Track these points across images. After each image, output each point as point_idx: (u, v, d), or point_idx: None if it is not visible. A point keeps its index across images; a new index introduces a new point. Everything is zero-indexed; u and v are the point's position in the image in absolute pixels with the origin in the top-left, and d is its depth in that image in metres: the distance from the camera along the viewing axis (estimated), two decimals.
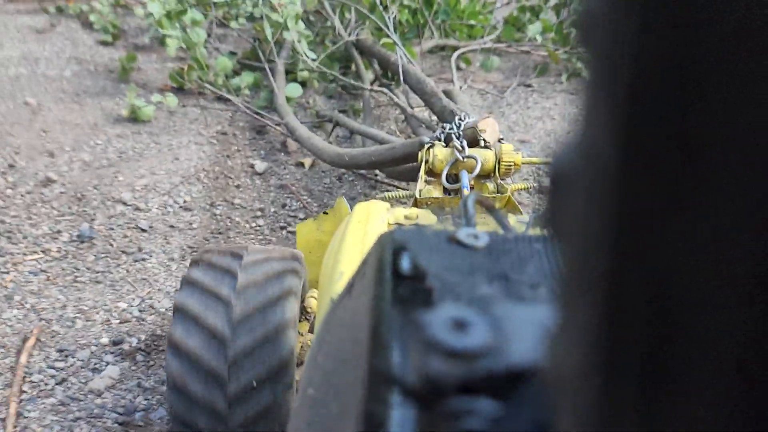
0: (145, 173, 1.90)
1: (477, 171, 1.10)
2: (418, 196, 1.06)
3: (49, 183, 1.85)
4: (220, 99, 2.32)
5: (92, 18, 2.99)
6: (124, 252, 1.57)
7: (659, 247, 0.12)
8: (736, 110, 0.11)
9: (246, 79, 2.36)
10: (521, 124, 2.29)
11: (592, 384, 0.14)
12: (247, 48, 2.65)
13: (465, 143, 1.13)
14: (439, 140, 1.22)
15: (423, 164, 1.14)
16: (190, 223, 1.68)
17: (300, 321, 1.01)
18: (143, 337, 1.30)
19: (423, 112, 1.95)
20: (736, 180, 0.11)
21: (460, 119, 1.27)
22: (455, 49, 2.53)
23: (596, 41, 0.13)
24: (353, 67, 2.32)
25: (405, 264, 0.28)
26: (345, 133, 2.12)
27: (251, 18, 2.76)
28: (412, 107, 1.81)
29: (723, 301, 0.12)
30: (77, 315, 1.37)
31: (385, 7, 2.08)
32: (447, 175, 1.11)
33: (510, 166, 1.13)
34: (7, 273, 1.50)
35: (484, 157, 1.13)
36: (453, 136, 1.19)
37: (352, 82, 2.07)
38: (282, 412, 0.83)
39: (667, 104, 0.12)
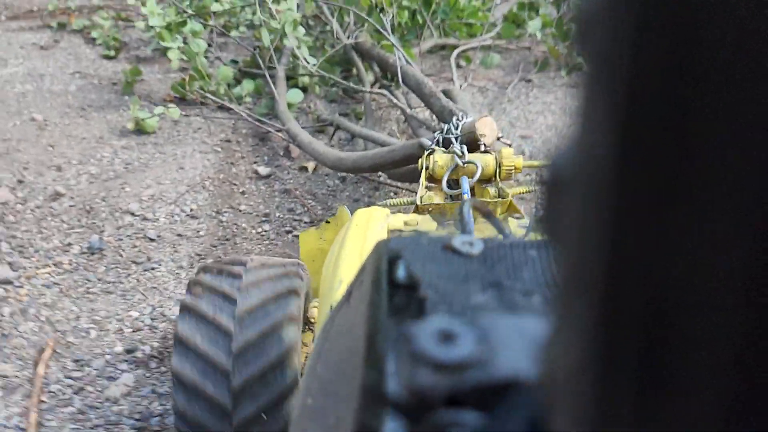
0: (151, 183, 1.94)
1: (477, 176, 1.10)
2: (419, 202, 1.07)
3: (58, 197, 1.89)
4: (222, 108, 2.36)
5: (94, 34, 3.05)
6: (133, 262, 1.61)
7: (656, 248, 0.12)
8: (734, 110, 0.11)
9: (247, 87, 2.40)
10: (522, 120, 2.31)
11: (589, 385, 0.14)
12: (247, 56, 2.69)
13: (465, 149, 1.14)
14: (438, 141, 1.24)
15: (423, 171, 1.15)
16: (198, 231, 1.72)
17: (304, 331, 1.00)
18: (156, 344, 1.34)
19: (424, 112, 1.98)
20: (734, 180, 0.11)
21: (458, 119, 1.28)
22: (455, 47, 2.56)
23: (594, 41, 0.13)
24: (354, 70, 2.35)
25: (400, 273, 0.28)
26: (347, 135, 2.15)
27: (251, 25, 2.80)
28: (412, 108, 1.83)
29: (720, 301, 0.12)
30: (91, 325, 1.41)
31: (382, 10, 2.11)
32: (448, 180, 1.12)
33: (511, 170, 1.13)
34: (21, 287, 1.55)
35: (484, 161, 1.13)
36: (451, 137, 1.21)
37: (352, 85, 2.10)
38: None
39: (665, 104, 0.12)
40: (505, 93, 2.51)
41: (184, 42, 2.39)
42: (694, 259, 0.12)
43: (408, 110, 1.74)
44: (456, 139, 1.23)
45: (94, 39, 3.10)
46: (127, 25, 3.36)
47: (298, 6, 2.36)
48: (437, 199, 1.11)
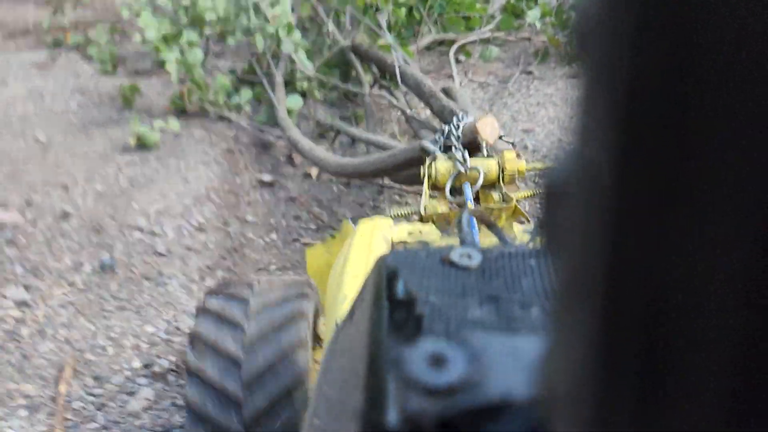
0: (157, 198, 1.99)
1: (480, 183, 1.10)
2: (422, 211, 1.06)
3: (66, 216, 1.94)
4: (222, 118, 2.40)
5: (91, 52, 3.10)
6: (145, 278, 1.66)
7: (656, 251, 0.13)
8: (734, 110, 0.11)
9: (245, 95, 2.43)
10: (524, 113, 2.33)
11: (589, 390, 0.15)
12: (245, 63, 2.73)
13: (467, 154, 1.14)
14: (439, 145, 1.26)
15: (426, 179, 1.15)
16: (206, 244, 1.77)
17: (314, 348, 1.00)
18: (173, 358, 1.39)
19: (425, 111, 2.01)
20: (734, 182, 0.11)
21: (459, 120, 1.28)
22: (453, 42, 2.57)
23: (594, 43, 0.13)
24: (353, 72, 2.38)
25: (399, 289, 0.29)
26: (349, 139, 2.18)
27: (247, 31, 2.84)
28: (412, 108, 1.85)
29: (720, 304, 0.12)
30: (108, 342, 1.46)
31: (377, 9, 2.13)
32: (451, 187, 1.12)
33: (514, 173, 1.13)
34: (38, 308, 1.60)
35: (486, 167, 1.13)
36: (452, 139, 1.21)
37: (351, 87, 2.12)
38: None
39: (665, 106, 0.12)
40: (505, 87, 2.52)
41: (181, 53, 2.42)
42: (695, 261, 0.12)
43: (408, 111, 1.77)
44: (457, 139, 1.23)
45: (90, 57, 3.15)
46: (123, 38, 3.40)
47: (293, 9, 2.39)
48: (441, 207, 1.10)
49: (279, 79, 2.35)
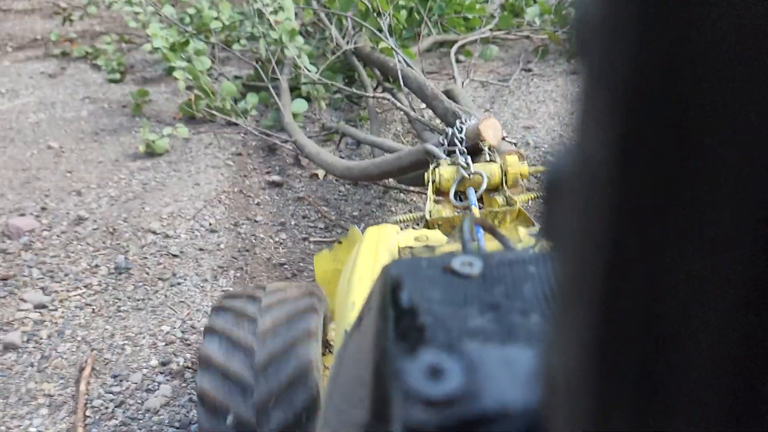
0: (169, 201, 2.02)
1: (484, 187, 1.11)
2: (428, 217, 1.07)
3: (81, 221, 1.97)
4: (230, 123, 2.42)
5: (99, 62, 3.14)
6: (159, 278, 1.69)
7: (656, 250, 0.13)
8: (734, 110, 0.11)
9: (251, 100, 2.46)
10: (524, 110, 2.35)
11: (588, 387, 0.15)
12: (250, 69, 2.75)
13: (470, 159, 1.15)
14: (444, 149, 1.26)
15: (430, 185, 1.15)
16: (218, 245, 1.79)
17: (324, 354, 1.00)
18: (189, 355, 1.41)
19: (427, 111, 2.03)
20: (734, 182, 0.11)
21: (462, 123, 1.29)
22: (454, 43, 2.60)
23: (594, 43, 0.13)
24: (356, 75, 2.40)
25: (402, 299, 0.29)
26: (354, 142, 2.21)
27: (252, 38, 2.87)
28: (415, 110, 1.87)
29: (719, 304, 0.12)
30: (125, 342, 1.49)
31: (378, 14, 2.16)
32: (455, 192, 1.12)
33: (517, 177, 1.14)
34: (56, 310, 1.63)
35: (489, 171, 1.14)
36: (456, 142, 1.22)
37: (355, 91, 2.15)
38: None
39: (665, 105, 0.12)
40: (505, 85, 2.54)
41: (188, 61, 2.46)
42: (694, 259, 0.12)
43: (412, 113, 1.78)
44: (461, 142, 1.24)
45: (98, 66, 3.19)
46: (130, 48, 3.44)
47: (296, 14, 2.41)
48: (446, 211, 1.11)
49: (284, 84, 2.38)
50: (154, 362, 1.41)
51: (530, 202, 1.20)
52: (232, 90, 2.45)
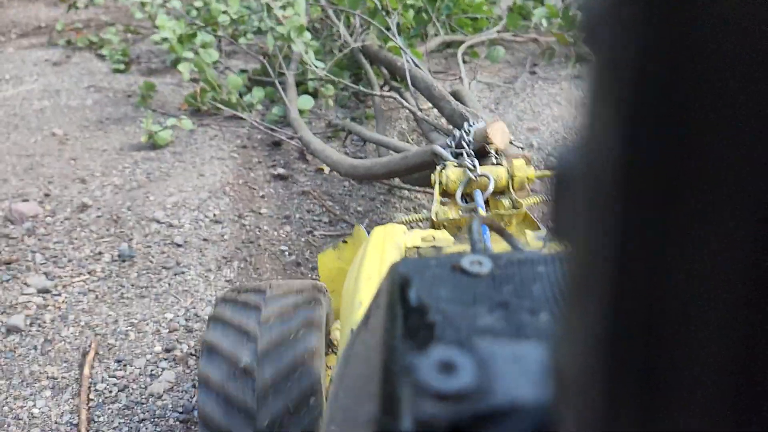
0: (174, 191, 2.04)
1: (490, 190, 1.12)
2: (434, 218, 1.07)
3: (85, 208, 1.99)
4: (235, 117, 2.44)
5: (104, 51, 3.15)
6: (163, 267, 1.71)
7: (662, 247, 0.13)
8: (740, 107, 0.11)
9: (257, 95, 2.48)
10: (529, 112, 2.38)
11: (595, 384, 0.15)
12: (256, 62, 2.78)
13: (476, 162, 1.16)
14: (449, 147, 1.28)
15: (437, 186, 1.16)
16: (222, 235, 1.82)
17: (327, 353, 1.00)
18: (192, 343, 1.43)
19: (432, 109, 2.06)
20: (738, 179, 0.11)
21: (470, 125, 1.30)
22: (461, 43, 2.62)
23: (600, 41, 0.13)
24: (363, 73, 2.42)
25: (411, 297, 0.29)
26: (360, 139, 2.23)
27: (259, 31, 2.89)
28: (421, 109, 1.89)
29: (724, 301, 0.12)
30: (129, 328, 1.51)
31: (387, 12, 2.18)
32: (461, 194, 1.13)
33: (523, 180, 1.15)
34: (59, 295, 1.65)
35: (496, 174, 1.14)
36: (464, 145, 1.23)
37: (362, 88, 2.17)
38: None
39: (672, 101, 0.12)
40: (511, 87, 2.58)
41: (195, 53, 2.48)
42: (697, 258, 0.12)
43: (419, 113, 1.80)
44: (468, 145, 1.25)
45: (103, 55, 3.21)
46: (136, 39, 3.46)
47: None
48: (452, 213, 1.12)
49: (290, 79, 2.40)
50: (157, 348, 1.43)
51: (536, 205, 1.22)
52: (239, 83, 2.48)
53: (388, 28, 2.18)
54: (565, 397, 0.17)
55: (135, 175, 2.17)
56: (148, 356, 1.41)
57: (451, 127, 1.67)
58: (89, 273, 1.71)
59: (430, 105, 1.86)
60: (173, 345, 1.43)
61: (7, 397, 1.34)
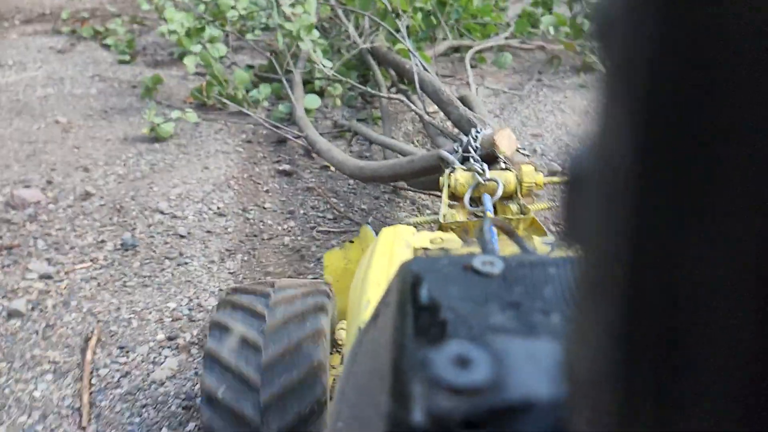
0: (177, 183, 2.06)
1: (499, 194, 1.14)
2: (442, 220, 1.09)
3: (88, 196, 2.02)
4: (241, 112, 2.47)
5: (109, 41, 3.18)
6: (166, 257, 1.73)
7: (676, 248, 0.13)
8: (755, 111, 0.11)
9: (264, 91, 2.52)
10: (533, 119, 2.43)
11: (610, 384, 0.15)
12: (263, 58, 2.81)
13: (485, 166, 1.18)
14: (456, 152, 1.30)
15: (445, 189, 1.18)
16: (226, 228, 1.85)
17: (331, 353, 1.01)
18: (195, 332, 1.46)
19: (438, 112, 2.10)
20: (755, 182, 0.12)
21: (477, 131, 1.33)
22: (469, 48, 2.67)
23: (614, 43, 0.13)
24: (371, 74, 2.46)
25: (423, 295, 0.30)
26: (366, 140, 2.27)
27: (266, 28, 2.93)
28: (429, 113, 1.91)
29: (738, 300, 0.12)
30: (131, 316, 1.53)
31: (398, 15, 2.22)
32: (470, 198, 1.15)
33: (531, 186, 1.17)
34: (61, 281, 1.67)
35: (505, 179, 1.16)
36: (471, 151, 1.26)
37: (369, 89, 2.20)
38: None
39: (686, 104, 0.12)
40: (516, 94, 2.62)
41: (203, 48, 2.51)
42: (715, 258, 0.12)
43: (426, 117, 1.82)
44: (475, 150, 1.27)
45: (108, 45, 3.24)
46: (142, 30, 3.49)
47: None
48: (460, 216, 1.13)
49: (297, 77, 2.43)
50: (160, 336, 1.45)
51: (543, 211, 1.24)
52: (245, 79, 2.51)
53: (398, 31, 2.22)
54: (579, 399, 0.17)
55: (139, 165, 2.19)
56: (151, 344, 1.44)
57: (456, 131, 1.71)
58: (92, 260, 1.74)
59: (435, 108, 1.90)
60: (176, 333, 1.46)
61: (8, 380, 1.36)
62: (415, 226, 1.11)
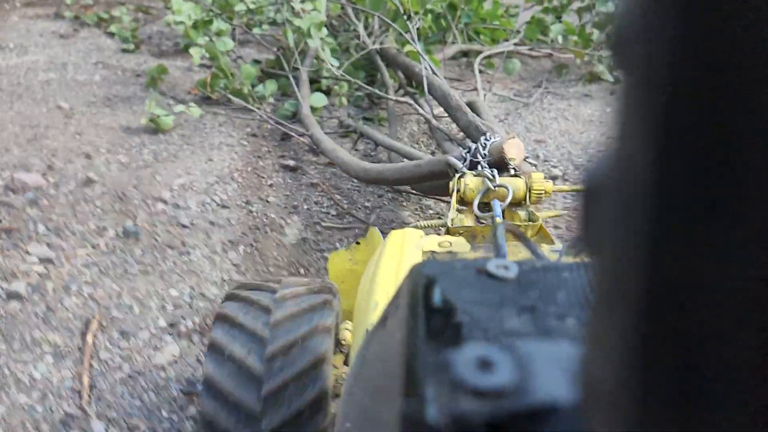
0: (181, 173, 2.11)
1: (509, 200, 1.16)
2: (450, 224, 1.11)
3: (89, 183, 2.06)
4: (245, 109, 2.52)
5: (113, 29, 3.22)
6: (169, 246, 1.78)
7: (694, 256, 0.13)
8: None
9: (270, 87, 2.56)
10: (537, 125, 2.50)
11: (629, 392, 0.15)
12: (269, 53, 2.86)
13: (496, 172, 1.22)
14: (465, 160, 1.34)
15: (454, 193, 1.21)
16: (229, 220, 1.89)
17: (334, 353, 1.01)
18: (197, 320, 1.50)
19: (444, 115, 2.16)
20: None
21: (486, 139, 1.37)
22: (478, 53, 2.73)
23: (632, 54, 0.14)
24: (378, 75, 2.50)
25: (436, 298, 0.30)
26: (372, 141, 2.32)
27: (274, 23, 2.98)
28: (436, 118, 1.92)
29: (757, 306, 0.12)
30: (133, 302, 1.57)
31: (409, 17, 2.27)
32: (479, 203, 1.18)
33: (541, 194, 1.19)
34: (62, 266, 1.71)
35: (514, 185, 1.19)
36: (479, 158, 1.29)
37: (377, 91, 2.24)
38: None
39: (705, 114, 0.12)
40: (525, 102, 2.69)
41: (210, 40, 2.56)
42: (732, 266, 0.13)
43: (434, 122, 1.85)
44: (483, 158, 1.31)
45: (112, 33, 3.28)
46: (147, 20, 3.53)
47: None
48: (468, 221, 1.16)
49: (304, 75, 2.47)
50: (162, 323, 1.50)
51: (552, 219, 1.25)
52: (252, 74, 2.55)
53: (408, 32, 2.27)
54: (596, 406, 0.17)
55: (142, 154, 2.24)
56: (152, 330, 1.48)
57: (462, 135, 1.76)
58: (93, 247, 1.78)
59: (441, 110, 1.95)
60: (178, 320, 1.50)
61: (7, 361, 1.40)
62: (423, 229, 1.15)
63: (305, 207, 1.96)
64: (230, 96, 2.50)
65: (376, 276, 0.80)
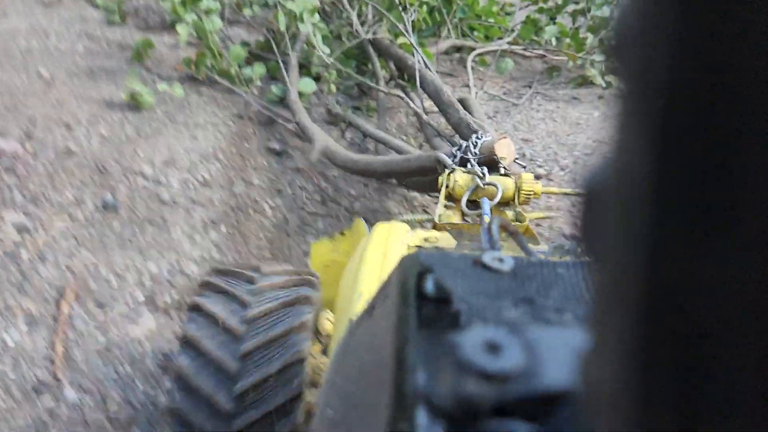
0: (163, 150, 2.13)
1: (498, 198, 1.18)
2: (437, 220, 1.13)
3: (69, 154, 2.06)
4: (231, 91, 2.53)
5: (98, 1, 3.20)
6: (149, 222, 1.80)
7: (694, 262, 0.13)
8: None
9: (258, 70, 2.57)
10: (525, 124, 2.57)
11: (630, 395, 0.15)
12: (259, 35, 2.88)
13: (486, 170, 1.24)
14: (455, 156, 1.38)
15: (443, 189, 1.23)
16: (211, 199, 1.92)
17: (312, 343, 1.01)
18: (176, 296, 1.54)
19: (434, 111, 2.21)
20: None
21: (477, 138, 1.41)
22: (471, 50, 2.79)
23: (630, 58, 0.14)
24: (370, 65, 2.54)
25: (429, 286, 0.31)
26: (359, 131, 2.36)
27: (265, 4, 3.00)
28: (426, 113, 1.96)
29: (759, 309, 0.13)
30: (110, 275, 1.60)
31: (404, 8, 2.31)
32: (467, 200, 1.21)
33: (530, 194, 1.22)
34: (38, 235, 1.72)
35: (504, 184, 1.21)
36: (470, 156, 1.33)
37: (368, 81, 2.27)
38: None
39: (705, 117, 0.13)
40: (516, 103, 2.76)
41: (198, 18, 2.57)
42: (733, 269, 0.13)
43: (425, 117, 1.90)
44: (474, 156, 1.34)
45: (97, 5, 3.26)
46: None
47: None
48: (455, 218, 1.18)
49: (294, 60, 2.48)
50: (140, 297, 1.52)
51: (539, 220, 1.26)
52: (240, 56, 2.57)
53: (404, 25, 2.31)
54: (597, 409, 0.18)
55: (124, 128, 2.24)
56: (130, 303, 1.51)
57: (450, 130, 1.80)
58: (71, 217, 1.79)
59: (430, 104, 1.99)
60: (155, 295, 1.53)
61: None
62: (409, 224, 1.19)
63: (290, 191, 2.00)
64: (217, 77, 2.51)
65: (361, 267, 0.82)
